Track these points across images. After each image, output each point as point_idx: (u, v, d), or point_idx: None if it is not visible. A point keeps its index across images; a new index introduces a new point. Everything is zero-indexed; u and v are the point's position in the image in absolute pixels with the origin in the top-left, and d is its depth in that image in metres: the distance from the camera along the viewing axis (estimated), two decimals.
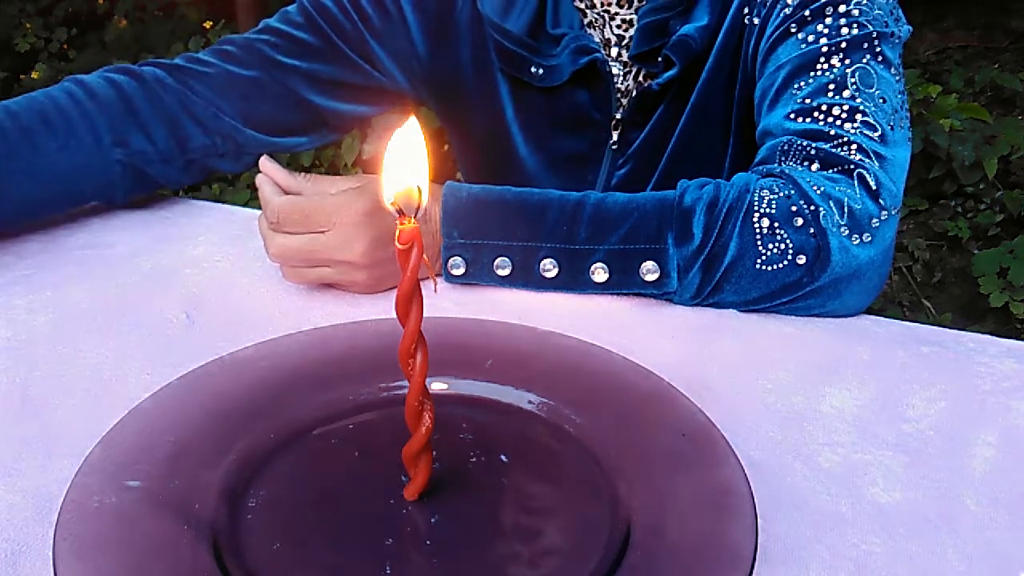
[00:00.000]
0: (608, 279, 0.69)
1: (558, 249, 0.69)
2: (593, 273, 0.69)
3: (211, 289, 0.72)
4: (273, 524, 0.44)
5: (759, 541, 0.41)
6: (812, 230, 0.67)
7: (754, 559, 0.40)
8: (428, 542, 0.44)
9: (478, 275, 0.71)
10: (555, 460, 0.49)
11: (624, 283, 0.69)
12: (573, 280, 0.69)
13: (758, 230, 0.67)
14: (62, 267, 0.76)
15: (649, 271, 0.68)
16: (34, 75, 3.34)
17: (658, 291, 0.70)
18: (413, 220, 0.40)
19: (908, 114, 0.77)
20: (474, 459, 0.49)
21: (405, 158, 0.41)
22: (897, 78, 0.77)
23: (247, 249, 0.79)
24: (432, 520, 0.44)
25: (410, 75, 0.96)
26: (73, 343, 0.64)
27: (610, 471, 0.47)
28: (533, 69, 0.87)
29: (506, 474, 0.48)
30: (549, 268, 0.69)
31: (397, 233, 0.40)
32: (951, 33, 4.01)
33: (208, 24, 3.67)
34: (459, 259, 0.70)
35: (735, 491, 0.44)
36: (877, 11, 0.77)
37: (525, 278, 0.70)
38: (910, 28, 0.80)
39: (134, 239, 0.81)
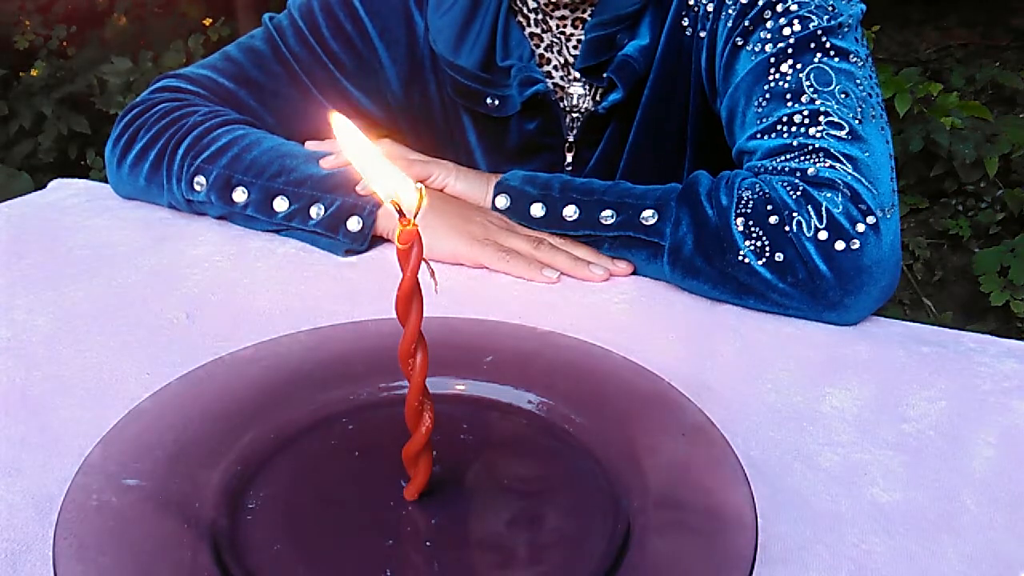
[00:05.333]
0: (613, 222, 0.74)
1: (581, 201, 0.76)
2: (604, 218, 0.75)
3: (211, 289, 0.72)
4: (273, 524, 0.44)
5: (759, 541, 0.41)
6: (788, 232, 0.68)
7: (754, 559, 0.40)
8: (428, 542, 0.44)
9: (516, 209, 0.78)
10: (555, 460, 0.49)
11: (626, 224, 0.74)
12: (588, 221, 0.76)
13: (740, 226, 0.69)
14: (62, 267, 0.75)
15: (647, 218, 0.73)
16: (33, 72, 3.32)
17: (650, 237, 0.72)
18: (413, 220, 0.40)
19: (880, 99, 0.75)
20: (474, 459, 0.49)
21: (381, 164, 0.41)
22: (858, 64, 0.74)
23: (247, 249, 0.79)
24: (432, 520, 0.44)
25: (386, 110, 0.98)
26: (73, 343, 0.64)
27: (610, 471, 0.47)
28: (489, 101, 0.90)
29: (506, 474, 0.48)
30: (571, 214, 0.76)
31: (397, 233, 0.40)
32: (952, 31, 4.01)
33: (208, 21, 3.66)
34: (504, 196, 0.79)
35: (735, 491, 0.44)
36: (816, 0, 0.75)
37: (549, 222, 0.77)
38: (863, 7, 0.78)
39: (134, 239, 0.81)
